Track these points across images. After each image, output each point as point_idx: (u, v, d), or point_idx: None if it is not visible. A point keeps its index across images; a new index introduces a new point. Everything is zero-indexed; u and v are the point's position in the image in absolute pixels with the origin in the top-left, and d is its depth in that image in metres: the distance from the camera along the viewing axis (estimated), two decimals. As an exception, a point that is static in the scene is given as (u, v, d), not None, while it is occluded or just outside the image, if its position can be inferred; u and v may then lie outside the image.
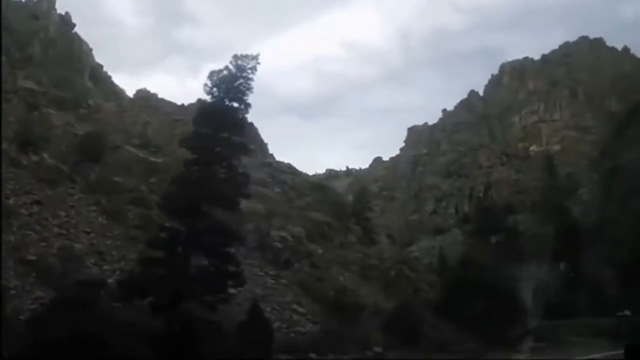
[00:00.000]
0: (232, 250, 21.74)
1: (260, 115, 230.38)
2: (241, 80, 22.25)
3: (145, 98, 63.50)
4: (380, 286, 42.04)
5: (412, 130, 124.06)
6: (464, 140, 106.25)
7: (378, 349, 27.82)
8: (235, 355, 20.91)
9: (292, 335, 28.05)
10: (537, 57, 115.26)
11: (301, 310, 31.94)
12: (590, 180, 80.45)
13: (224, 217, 24.58)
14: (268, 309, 29.78)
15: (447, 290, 42.54)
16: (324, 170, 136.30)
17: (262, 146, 60.89)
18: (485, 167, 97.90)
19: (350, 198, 71.27)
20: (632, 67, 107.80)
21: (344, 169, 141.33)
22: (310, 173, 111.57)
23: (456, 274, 45.47)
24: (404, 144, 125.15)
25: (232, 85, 22.45)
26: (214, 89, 22.43)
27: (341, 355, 25.87)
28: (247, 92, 22.60)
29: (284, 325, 28.67)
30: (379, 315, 33.96)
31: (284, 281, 35.51)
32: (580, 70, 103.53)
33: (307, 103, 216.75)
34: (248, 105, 22.99)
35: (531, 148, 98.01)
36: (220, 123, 22.03)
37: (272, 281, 34.55)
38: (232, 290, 28.95)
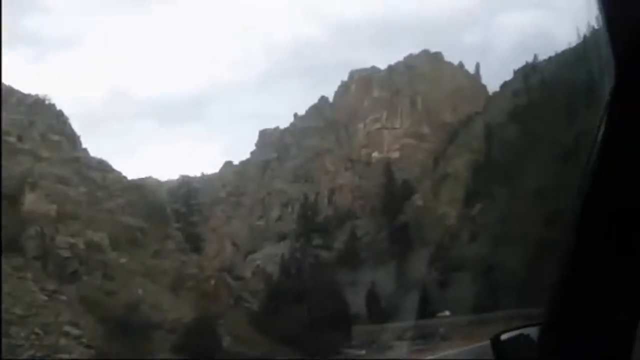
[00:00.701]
0: None
1: (114, 117, 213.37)
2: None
3: None
4: (193, 298, 37.87)
5: (263, 134, 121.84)
6: (312, 145, 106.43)
7: (160, 375, 23.64)
8: None
9: (49, 365, 22.74)
10: (383, 67, 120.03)
11: (75, 332, 26.59)
12: (424, 186, 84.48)
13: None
14: (22, 334, 24.07)
15: (268, 300, 39.88)
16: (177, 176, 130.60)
17: (73, 138, 53.24)
18: (331, 172, 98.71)
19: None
20: (466, 81, 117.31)
21: (198, 174, 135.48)
22: (164, 179, 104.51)
23: (278, 283, 42.99)
24: (255, 148, 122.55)
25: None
26: None
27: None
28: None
29: (39, 354, 23.20)
30: (177, 333, 29.85)
31: (63, 297, 29.75)
32: (421, 82, 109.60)
33: (168, 107, 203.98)
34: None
35: (373, 154, 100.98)
36: None
37: (45, 298, 28.61)
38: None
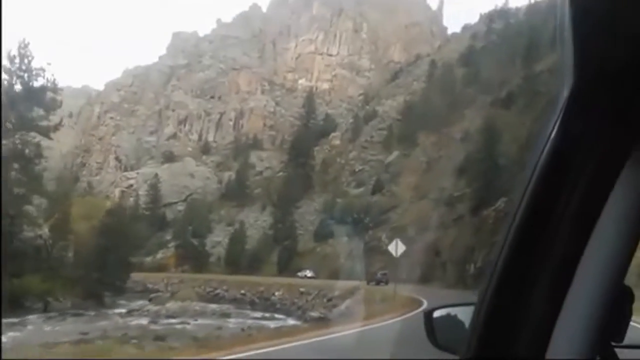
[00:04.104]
0: None
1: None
2: None
3: None
4: None
5: (177, 37, 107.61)
6: (229, 57, 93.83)
7: None
8: None
9: None
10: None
11: None
12: (345, 124, 74.80)
13: None
14: None
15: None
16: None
17: None
18: (244, 92, 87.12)
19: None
20: (425, 17, 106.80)
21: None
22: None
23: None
24: (165, 52, 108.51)
25: None
26: None
27: None
28: None
29: None
30: None
31: None
32: (371, 6, 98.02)
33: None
34: None
35: (300, 81, 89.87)
36: None
37: None
38: None
